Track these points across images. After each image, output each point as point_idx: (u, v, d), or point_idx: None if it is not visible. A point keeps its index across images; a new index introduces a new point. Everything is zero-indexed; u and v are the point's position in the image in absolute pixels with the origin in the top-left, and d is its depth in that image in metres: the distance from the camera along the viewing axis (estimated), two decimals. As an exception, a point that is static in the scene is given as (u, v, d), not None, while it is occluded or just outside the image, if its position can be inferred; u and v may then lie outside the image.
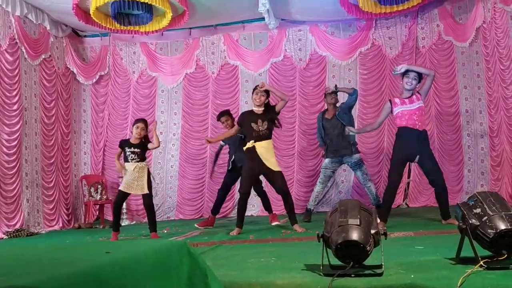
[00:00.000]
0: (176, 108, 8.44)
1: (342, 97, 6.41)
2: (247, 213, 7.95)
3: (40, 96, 7.36)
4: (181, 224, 7.03)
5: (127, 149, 5.29)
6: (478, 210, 2.37)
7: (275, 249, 3.48)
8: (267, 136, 5.08)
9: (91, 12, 6.58)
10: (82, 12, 6.83)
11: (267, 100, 5.22)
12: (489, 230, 2.28)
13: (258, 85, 5.27)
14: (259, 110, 5.17)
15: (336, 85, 6.32)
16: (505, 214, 2.31)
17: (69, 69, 8.07)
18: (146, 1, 6.27)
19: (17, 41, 6.76)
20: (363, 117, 7.85)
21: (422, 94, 5.01)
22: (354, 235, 2.25)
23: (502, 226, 2.27)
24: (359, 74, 7.93)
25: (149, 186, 5.33)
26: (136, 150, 5.30)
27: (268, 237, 4.38)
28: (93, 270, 1.43)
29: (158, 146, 5.72)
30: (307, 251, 3.15)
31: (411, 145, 4.88)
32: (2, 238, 6.05)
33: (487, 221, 2.31)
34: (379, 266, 2.32)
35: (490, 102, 6.88)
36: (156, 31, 7.33)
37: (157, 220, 7.97)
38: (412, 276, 2.23)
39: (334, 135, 6.09)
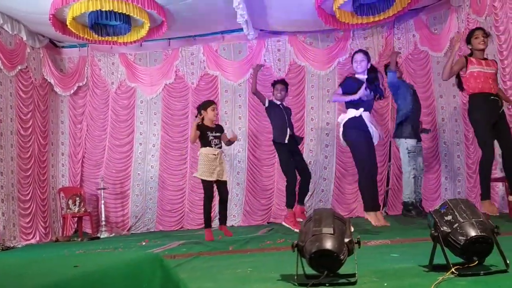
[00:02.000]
0: (156, 119, 8.40)
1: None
2: (228, 223, 7.96)
3: (16, 108, 7.25)
4: (161, 235, 6.97)
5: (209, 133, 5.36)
6: (449, 217, 2.40)
7: (253, 260, 3.47)
8: None
9: (67, 23, 6.54)
10: (59, 22, 6.78)
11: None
12: (460, 237, 2.31)
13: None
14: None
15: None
16: (476, 221, 2.33)
17: (46, 80, 7.98)
18: (124, 12, 6.27)
19: (-8, 52, 6.67)
20: (342, 126, 7.89)
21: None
22: (328, 244, 2.26)
23: (472, 233, 2.29)
24: (337, 83, 7.97)
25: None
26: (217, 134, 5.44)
27: (247, 247, 4.36)
28: (60, 284, 1.40)
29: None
30: (284, 261, 3.15)
31: (490, 109, 4.67)
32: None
33: (458, 228, 2.33)
34: (353, 275, 2.33)
35: (465, 110, 6.98)
36: (135, 41, 7.32)
37: (136, 232, 8.01)
38: (385, 284, 2.24)
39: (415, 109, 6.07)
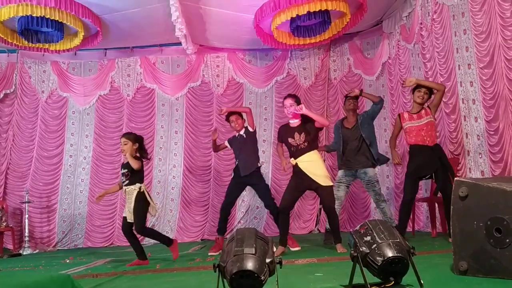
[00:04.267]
0: (88, 131, 8.11)
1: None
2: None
3: None
4: (88, 252, 6.67)
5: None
6: (368, 238, 2.45)
7: (177, 279, 3.38)
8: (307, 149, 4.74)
9: (-5, 27, 6.20)
10: (-15, 26, 6.42)
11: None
12: (378, 258, 2.37)
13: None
14: (294, 122, 4.84)
15: (362, 90, 5.69)
16: (393, 242, 2.40)
17: (-30, 85, 7.52)
18: (56, 19, 6.04)
19: None
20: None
21: (432, 109, 4.93)
22: (249, 265, 2.23)
23: (389, 253, 2.36)
24: (275, 102, 8.12)
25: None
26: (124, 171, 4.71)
27: (175, 266, 4.26)
28: None
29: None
30: (208, 281, 3.09)
31: (423, 162, 4.83)
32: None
33: (376, 248, 2.39)
34: (274, 295, 2.32)
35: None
36: (68, 50, 7.06)
37: (62, 248, 7.62)
38: (304, 304, 2.25)
39: (353, 147, 5.54)
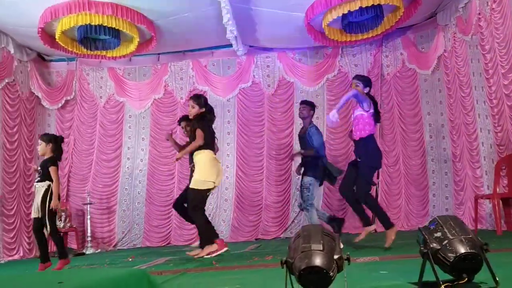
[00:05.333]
0: (144, 134, 8.35)
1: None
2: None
3: (2, 121, 7.16)
4: (147, 251, 6.87)
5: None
6: (438, 234, 2.39)
7: (241, 276, 3.42)
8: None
9: (56, 37, 6.50)
10: (48, 36, 6.74)
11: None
12: (450, 254, 2.30)
13: None
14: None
15: (301, 152, 5.93)
16: (465, 237, 2.33)
17: (34, 93, 7.91)
18: (113, 26, 6.26)
19: (-21, 65, 6.61)
20: (331, 142, 7.93)
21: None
22: (317, 261, 2.23)
23: (462, 249, 2.29)
24: (326, 100, 8.06)
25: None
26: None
27: (234, 264, 4.31)
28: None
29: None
30: (272, 278, 3.11)
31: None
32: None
33: (448, 245, 2.33)
34: (343, 292, 2.31)
35: (453, 128, 7.09)
36: (124, 56, 7.30)
37: (122, 247, 7.88)
38: (375, 301, 2.22)
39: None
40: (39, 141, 4.99)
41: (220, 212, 8.04)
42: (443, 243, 2.35)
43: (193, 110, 5.15)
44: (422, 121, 7.65)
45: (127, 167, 8.27)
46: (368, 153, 4.86)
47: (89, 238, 7.62)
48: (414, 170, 7.63)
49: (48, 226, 4.71)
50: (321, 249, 2.28)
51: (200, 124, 5.14)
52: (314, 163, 5.77)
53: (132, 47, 6.96)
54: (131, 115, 8.39)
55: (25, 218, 7.49)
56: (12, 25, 6.78)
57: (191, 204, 5.05)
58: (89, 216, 7.72)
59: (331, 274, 2.24)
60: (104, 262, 5.48)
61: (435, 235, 2.41)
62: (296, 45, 7.92)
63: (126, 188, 8.22)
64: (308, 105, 5.94)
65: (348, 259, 2.35)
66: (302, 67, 8.14)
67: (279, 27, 7.14)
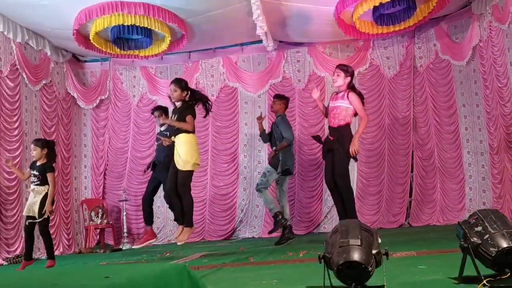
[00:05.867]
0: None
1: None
2: (249, 234, 7.93)
3: (41, 121, 7.39)
4: (182, 247, 6.96)
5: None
6: (479, 228, 2.35)
7: (277, 271, 3.45)
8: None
9: (91, 38, 6.65)
10: (82, 37, 6.91)
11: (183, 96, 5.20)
12: (491, 249, 2.26)
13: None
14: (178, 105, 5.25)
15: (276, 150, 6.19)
16: (507, 232, 2.28)
17: (70, 94, 8.13)
18: (145, 26, 6.37)
19: (18, 67, 6.83)
20: (363, 136, 7.83)
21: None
22: (356, 256, 2.23)
23: (504, 244, 2.25)
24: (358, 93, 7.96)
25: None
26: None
27: (270, 259, 4.34)
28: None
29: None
30: (309, 273, 3.12)
31: (324, 144, 5.32)
32: (2, 264, 6.00)
33: (489, 239, 2.28)
34: (382, 287, 2.30)
35: (489, 119, 6.91)
36: (156, 55, 7.41)
37: (159, 243, 8.03)
38: (415, 296, 2.20)
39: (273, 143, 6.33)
40: (33, 146, 5.01)
41: (253, 207, 8.09)
42: (484, 238, 2.30)
43: (176, 93, 5.15)
44: (457, 113, 7.49)
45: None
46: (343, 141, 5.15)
47: (125, 234, 7.80)
48: (450, 163, 7.49)
49: (44, 227, 4.90)
50: (359, 244, 2.28)
51: (192, 111, 5.22)
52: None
53: (164, 46, 7.06)
54: (163, 113, 8.51)
55: (64, 215, 7.74)
56: (49, 28, 6.98)
57: (183, 185, 5.05)
58: (125, 213, 7.90)
59: (370, 269, 2.24)
60: (142, 258, 5.60)
61: (476, 229, 2.37)
62: (327, 39, 7.87)
63: (160, 185, 8.34)
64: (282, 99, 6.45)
65: (386, 254, 2.35)
66: (333, 61, 8.07)
67: (309, 21, 7.10)
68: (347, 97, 5.16)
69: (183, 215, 5.16)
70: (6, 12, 6.46)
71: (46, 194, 4.91)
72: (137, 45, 7.07)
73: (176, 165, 5.04)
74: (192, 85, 8.40)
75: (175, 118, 5.12)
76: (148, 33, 6.67)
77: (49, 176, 4.95)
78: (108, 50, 7.17)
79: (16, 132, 6.75)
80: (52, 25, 6.87)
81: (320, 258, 2.38)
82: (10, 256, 6.27)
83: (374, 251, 2.29)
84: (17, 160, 6.69)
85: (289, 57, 8.19)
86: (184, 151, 5.04)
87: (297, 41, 8.04)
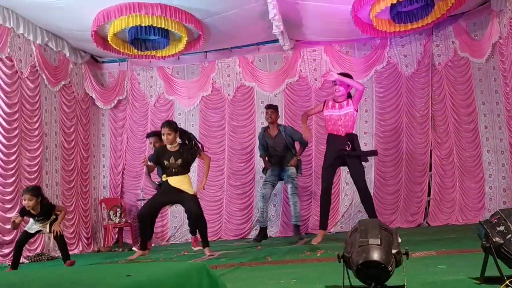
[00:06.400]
0: (193, 131, 8.40)
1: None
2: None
3: (60, 122, 7.50)
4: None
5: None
6: (501, 228, 2.32)
7: (295, 271, 3.44)
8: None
9: (109, 39, 6.73)
10: (100, 38, 6.99)
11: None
12: (514, 249, 2.23)
13: None
14: (172, 147, 5.14)
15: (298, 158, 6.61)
16: (530, 231, 2.25)
17: (88, 94, 8.23)
18: (162, 27, 6.41)
19: (38, 68, 6.94)
20: (380, 135, 7.82)
21: (354, 102, 5.35)
22: (375, 255, 2.22)
23: (527, 244, 2.21)
24: (375, 92, 7.92)
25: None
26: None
27: (287, 258, 4.34)
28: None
29: None
30: (327, 272, 3.11)
31: (334, 151, 5.31)
32: (23, 263, 6.10)
33: (512, 239, 2.25)
34: (402, 287, 2.28)
35: (510, 117, 6.79)
36: (173, 55, 7.46)
37: (175, 242, 8.08)
38: (436, 296, 2.18)
39: (279, 151, 6.55)
40: (30, 196, 4.75)
41: (270, 207, 8.07)
42: (507, 237, 2.27)
43: (170, 137, 5.08)
44: (476, 111, 7.38)
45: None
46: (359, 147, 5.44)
47: (144, 233, 7.85)
48: (469, 162, 7.39)
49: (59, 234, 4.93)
50: (379, 243, 2.27)
51: (198, 149, 5.26)
52: None
53: (181, 46, 7.10)
54: (180, 112, 8.57)
55: (83, 214, 7.84)
56: (68, 30, 7.08)
57: (200, 210, 5.18)
58: (142, 212, 7.95)
59: (390, 268, 2.23)
60: (159, 257, 5.64)
61: (498, 229, 2.34)
62: (343, 37, 7.83)
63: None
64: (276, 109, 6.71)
65: (406, 254, 2.33)
66: (349, 59, 8.04)
67: (326, 20, 7.08)
68: (352, 102, 5.38)
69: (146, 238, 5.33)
70: (26, 15, 6.57)
71: (52, 221, 4.93)
72: (154, 45, 7.13)
73: (187, 192, 5.13)
74: (208, 85, 8.46)
75: (180, 161, 5.11)
76: (165, 33, 6.71)
77: (59, 207, 5.13)
78: (125, 51, 7.23)
79: (36, 133, 6.86)
80: (71, 27, 6.96)
81: (339, 258, 2.37)
82: (31, 254, 6.38)
83: (394, 251, 2.28)
84: (37, 160, 6.81)
85: (305, 56, 8.17)
86: (189, 182, 5.24)
87: (314, 40, 8.02)
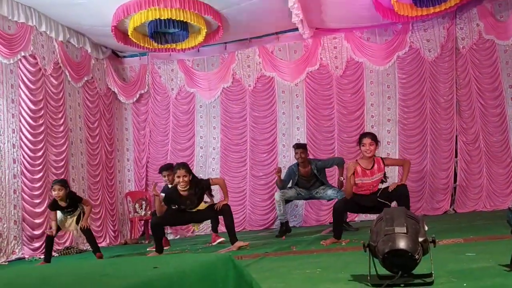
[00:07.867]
0: (215, 122, 8.54)
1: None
2: (290, 224, 7.93)
3: (84, 117, 7.62)
4: (224, 237, 7.04)
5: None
6: (532, 214, 2.27)
7: (320, 260, 3.44)
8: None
9: (129, 33, 6.78)
10: (121, 33, 7.04)
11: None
12: (545, 235, 2.18)
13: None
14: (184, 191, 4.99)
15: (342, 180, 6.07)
16: (562, 217, 2.19)
17: (110, 89, 8.33)
18: (181, 19, 6.42)
19: (61, 65, 7.05)
20: (404, 122, 7.71)
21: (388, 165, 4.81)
22: (402, 244, 2.20)
23: (559, 229, 2.16)
24: (398, 78, 7.80)
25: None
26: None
27: (312, 248, 4.33)
28: (141, 285, 1.45)
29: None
30: (352, 262, 3.10)
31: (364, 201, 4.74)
32: (53, 256, 6.24)
33: (542, 225, 2.20)
34: (429, 275, 2.26)
35: (538, 100, 6.62)
36: (192, 47, 7.48)
37: (199, 234, 8.15)
38: (465, 284, 2.15)
39: (308, 186, 6.27)
40: (59, 186, 5.07)
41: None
42: (538, 223, 2.22)
43: (186, 178, 4.96)
44: (503, 95, 7.21)
45: (201, 156, 8.51)
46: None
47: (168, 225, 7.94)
48: (496, 147, 7.23)
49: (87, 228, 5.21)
50: (405, 231, 2.24)
51: (208, 183, 5.33)
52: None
53: (200, 38, 7.11)
54: (201, 105, 8.61)
55: (109, 208, 7.97)
56: (89, 25, 7.16)
57: (218, 212, 5.27)
58: (167, 204, 8.03)
59: (417, 257, 2.20)
60: (185, 248, 5.71)
61: (528, 214, 2.28)
62: (364, 23, 7.71)
63: (200, 177, 8.42)
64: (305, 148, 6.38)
65: (433, 242, 2.30)
66: (371, 46, 7.92)
67: (346, 6, 6.99)
68: (383, 165, 4.70)
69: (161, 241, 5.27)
70: (48, 12, 6.66)
71: (78, 216, 5.23)
72: (174, 38, 7.15)
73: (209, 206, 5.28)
74: (228, 77, 8.46)
75: (196, 202, 5.13)
76: (184, 26, 6.73)
77: (85, 201, 5.44)
78: (146, 45, 7.28)
79: (61, 129, 6.98)
80: (91, 23, 7.04)
81: (365, 247, 2.36)
82: (60, 248, 6.52)
83: (420, 239, 2.25)
84: (63, 155, 6.93)
85: (325, 44, 8.08)
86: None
87: (334, 27, 7.92)
